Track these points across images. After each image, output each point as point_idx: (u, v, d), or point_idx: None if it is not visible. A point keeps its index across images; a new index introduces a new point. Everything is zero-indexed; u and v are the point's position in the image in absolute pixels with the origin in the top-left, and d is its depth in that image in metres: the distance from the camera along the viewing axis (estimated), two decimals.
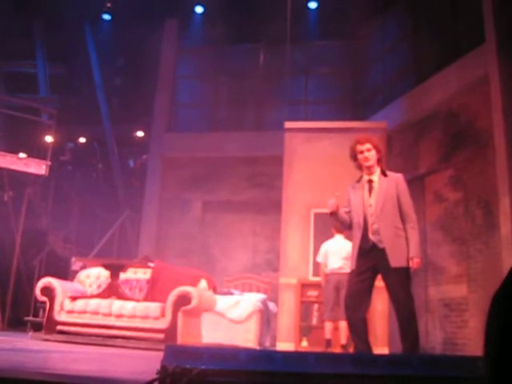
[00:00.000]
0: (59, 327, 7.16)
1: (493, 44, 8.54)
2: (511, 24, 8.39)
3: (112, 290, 7.42)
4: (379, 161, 5.21)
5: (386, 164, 9.60)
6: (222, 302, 8.67)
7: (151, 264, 7.96)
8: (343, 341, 7.73)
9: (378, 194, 5.13)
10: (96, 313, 7.10)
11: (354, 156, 5.35)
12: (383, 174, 5.20)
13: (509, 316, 1.25)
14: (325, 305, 7.97)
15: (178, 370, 2.09)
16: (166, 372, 2.12)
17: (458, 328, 9.21)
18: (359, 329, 5.14)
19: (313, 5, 13.96)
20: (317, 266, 8.59)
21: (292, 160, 9.87)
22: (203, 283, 7.53)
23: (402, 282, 5.07)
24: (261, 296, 9.70)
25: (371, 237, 5.10)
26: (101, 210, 13.97)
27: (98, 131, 15.05)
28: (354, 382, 2.35)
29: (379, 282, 8.81)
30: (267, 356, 2.34)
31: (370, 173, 5.20)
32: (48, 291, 7.28)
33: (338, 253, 7.87)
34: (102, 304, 7.14)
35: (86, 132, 15.56)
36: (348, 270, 7.68)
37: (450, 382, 2.46)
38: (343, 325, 7.74)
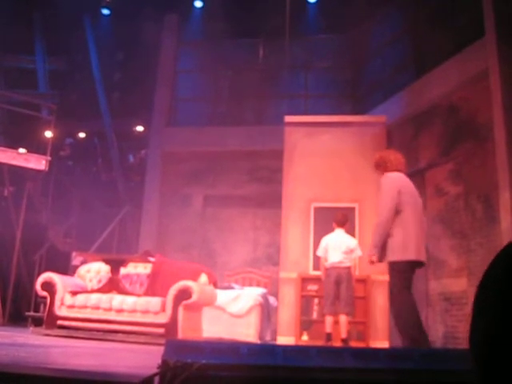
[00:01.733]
0: (60, 322, 7.17)
1: (493, 37, 8.51)
2: (511, 17, 8.38)
3: (112, 285, 7.43)
4: (383, 168, 5.82)
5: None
6: (222, 297, 8.68)
7: (152, 259, 7.97)
8: (343, 335, 7.73)
9: None
10: (97, 307, 7.11)
11: None
12: None
13: (495, 304, 1.25)
14: (325, 299, 7.97)
15: (179, 364, 2.10)
16: (166, 366, 2.12)
17: (459, 322, 9.22)
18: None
19: None
20: (317, 260, 8.60)
21: (292, 154, 9.88)
22: (204, 278, 7.53)
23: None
24: (261, 290, 9.71)
25: None
26: (101, 204, 13.96)
27: (97, 126, 15.03)
28: (355, 375, 2.35)
29: (379, 276, 8.84)
30: (268, 350, 2.34)
31: None
32: (49, 286, 7.29)
33: (339, 247, 7.87)
34: (103, 299, 7.15)
35: (86, 127, 15.55)
36: (348, 264, 7.73)
37: (451, 375, 2.46)
38: (343, 319, 7.75)
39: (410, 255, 5.28)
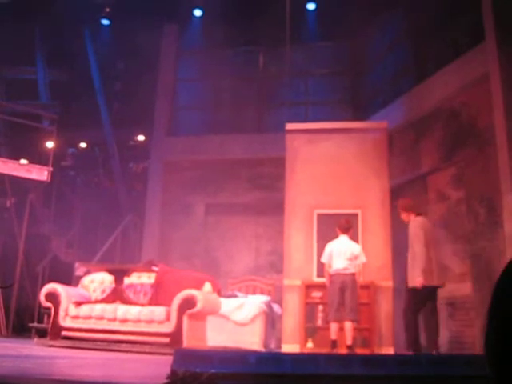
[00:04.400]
0: (64, 333, 7.16)
1: (493, 42, 8.52)
2: (511, 21, 8.38)
3: (116, 295, 7.42)
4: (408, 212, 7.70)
5: (388, 164, 9.63)
6: (226, 305, 8.66)
7: (155, 268, 7.96)
8: (349, 341, 7.72)
9: None
10: (101, 318, 7.11)
11: None
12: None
13: (509, 309, 1.24)
14: (329, 305, 7.96)
15: (188, 374, 2.09)
16: (176, 376, 2.12)
17: (464, 327, 9.19)
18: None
19: (311, 6, 13.94)
20: (321, 266, 8.59)
21: (294, 161, 9.87)
22: (208, 286, 7.53)
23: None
24: (265, 298, 9.70)
25: None
26: (103, 214, 13.96)
27: (98, 136, 15.04)
28: (363, 382, 2.35)
29: (382, 282, 8.82)
30: (276, 358, 2.34)
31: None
32: (53, 297, 7.29)
33: (343, 253, 7.86)
34: (107, 309, 7.15)
35: (87, 137, 15.56)
36: (353, 271, 7.73)
37: (459, 380, 2.46)
38: (348, 325, 7.74)
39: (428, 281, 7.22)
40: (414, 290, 7.16)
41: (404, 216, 7.77)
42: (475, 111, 9.24)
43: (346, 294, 7.73)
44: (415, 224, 7.43)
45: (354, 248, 7.99)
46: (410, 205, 7.80)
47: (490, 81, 8.61)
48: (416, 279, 7.14)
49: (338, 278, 7.80)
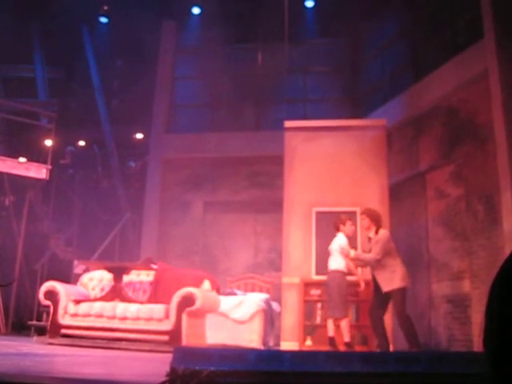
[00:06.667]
0: (63, 331, 7.16)
1: (492, 39, 8.52)
2: (510, 18, 8.39)
3: (115, 293, 7.42)
4: (376, 222, 7.69)
5: (387, 161, 9.64)
6: (225, 303, 8.66)
7: (154, 266, 7.96)
8: (346, 338, 7.71)
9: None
10: (100, 316, 7.11)
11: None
12: (376, 232, 7.62)
13: (507, 307, 1.24)
14: (326, 303, 7.97)
15: (188, 371, 2.09)
16: (175, 374, 2.12)
17: (462, 324, 9.20)
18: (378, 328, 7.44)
19: (309, 3, 13.95)
20: (319, 264, 8.59)
21: (292, 159, 9.87)
22: (206, 284, 7.52)
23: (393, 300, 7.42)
24: (264, 296, 9.69)
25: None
26: (102, 212, 13.95)
27: (97, 134, 15.02)
28: (363, 379, 2.35)
29: None
30: (276, 356, 2.34)
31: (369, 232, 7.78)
32: (52, 295, 7.28)
33: (331, 251, 7.89)
34: (106, 307, 7.14)
35: (86, 135, 15.52)
36: (334, 267, 7.78)
37: (459, 378, 2.46)
38: (343, 323, 7.73)
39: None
40: (400, 292, 7.25)
41: (370, 225, 7.67)
42: (474, 108, 9.24)
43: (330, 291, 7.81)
44: (389, 238, 7.55)
45: (333, 245, 7.98)
46: (380, 216, 7.79)
47: (488, 78, 8.62)
48: (400, 282, 7.23)
49: (327, 276, 7.87)
